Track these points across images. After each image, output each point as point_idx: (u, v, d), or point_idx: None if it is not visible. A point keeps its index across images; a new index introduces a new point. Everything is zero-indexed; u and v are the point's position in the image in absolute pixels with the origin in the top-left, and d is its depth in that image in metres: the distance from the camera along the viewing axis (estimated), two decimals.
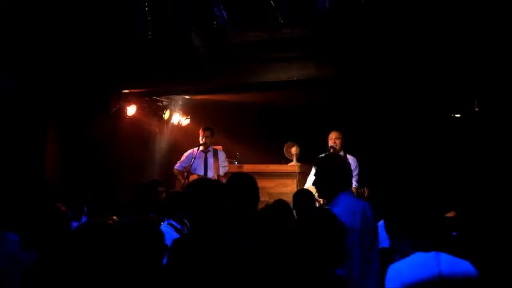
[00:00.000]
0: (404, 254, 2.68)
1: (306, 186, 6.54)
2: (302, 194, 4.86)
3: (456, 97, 6.76)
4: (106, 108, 7.21)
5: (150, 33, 5.71)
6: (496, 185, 5.86)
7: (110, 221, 3.06)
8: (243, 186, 3.53)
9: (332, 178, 3.24)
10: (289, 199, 4.85)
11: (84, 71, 6.56)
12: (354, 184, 6.34)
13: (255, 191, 3.54)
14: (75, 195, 5.19)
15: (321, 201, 6.45)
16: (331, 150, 6.44)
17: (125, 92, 7.30)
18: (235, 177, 3.67)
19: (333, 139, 6.50)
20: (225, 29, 5.57)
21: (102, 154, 7.34)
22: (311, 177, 6.47)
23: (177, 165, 7.47)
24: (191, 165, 7.20)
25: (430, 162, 7.21)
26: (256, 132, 8.53)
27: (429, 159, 7.23)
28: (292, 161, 7.72)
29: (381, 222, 3.40)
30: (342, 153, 6.57)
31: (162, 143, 8.76)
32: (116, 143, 7.60)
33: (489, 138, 6.26)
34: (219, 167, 7.31)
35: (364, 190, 6.27)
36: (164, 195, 5.63)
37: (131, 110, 7.68)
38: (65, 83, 6.53)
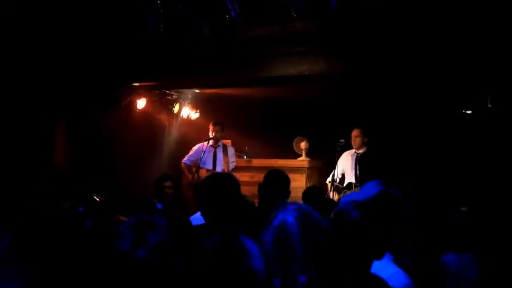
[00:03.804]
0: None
1: (327, 181, 6.91)
2: (312, 192, 4.82)
3: (467, 94, 6.71)
4: (115, 101, 7.21)
5: (161, 26, 5.68)
6: (508, 182, 5.83)
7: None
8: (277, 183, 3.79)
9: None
10: (298, 194, 4.86)
11: (93, 65, 6.56)
12: None
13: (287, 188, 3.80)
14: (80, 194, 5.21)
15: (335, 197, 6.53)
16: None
17: (135, 85, 7.31)
18: (270, 174, 3.90)
19: (352, 137, 6.62)
20: (236, 23, 5.54)
21: (111, 148, 7.35)
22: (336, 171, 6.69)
23: (185, 159, 7.41)
24: (200, 160, 7.18)
25: (440, 158, 7.17)
26: (265, 126, 8.49)
27: (439, 156, 7.19)
28: (301, 155, 7.72)
29: None
30: (362, 150, 6.68)
31: (171, 136, 8.78)
32: (125, 136, 7.61)
33: (501, 135, 6.22)
34: (229, 162, 7.30)
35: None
36: (172, 190, 5.64)
37: (141, 103, 7.70)
38: (74, 76, 6.53)
